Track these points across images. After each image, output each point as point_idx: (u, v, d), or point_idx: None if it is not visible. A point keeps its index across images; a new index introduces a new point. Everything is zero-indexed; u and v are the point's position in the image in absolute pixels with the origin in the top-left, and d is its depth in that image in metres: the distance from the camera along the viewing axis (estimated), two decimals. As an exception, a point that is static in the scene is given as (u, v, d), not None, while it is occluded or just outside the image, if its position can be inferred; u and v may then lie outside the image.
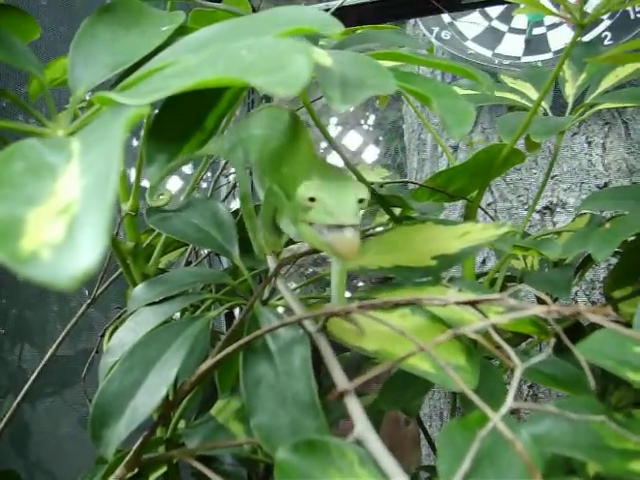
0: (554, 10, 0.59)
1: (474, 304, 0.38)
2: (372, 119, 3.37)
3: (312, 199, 0.42)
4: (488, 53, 1.61)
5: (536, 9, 0.58)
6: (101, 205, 0.22)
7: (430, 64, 0.46)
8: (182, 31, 0.45)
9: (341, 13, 1.15)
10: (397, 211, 0.66)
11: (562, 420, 0.37)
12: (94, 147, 0.27)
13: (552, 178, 1.46)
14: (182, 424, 0.61)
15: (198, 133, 0.39)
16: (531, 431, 0.36)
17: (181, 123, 0.39)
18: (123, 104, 0.29)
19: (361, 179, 0.58)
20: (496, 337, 0.36)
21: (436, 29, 1.65)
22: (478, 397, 0.50)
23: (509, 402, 0.33)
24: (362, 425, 0.34)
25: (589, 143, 1.49)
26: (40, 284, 0.21)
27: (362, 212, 0.42)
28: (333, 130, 3.27)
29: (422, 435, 1.32)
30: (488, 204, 1.51)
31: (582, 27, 0.58)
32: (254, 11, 0.84)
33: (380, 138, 3.32)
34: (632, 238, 0.54)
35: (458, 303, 0.38)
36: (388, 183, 0.73)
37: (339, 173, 0.45)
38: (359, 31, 0.66)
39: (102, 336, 0.75)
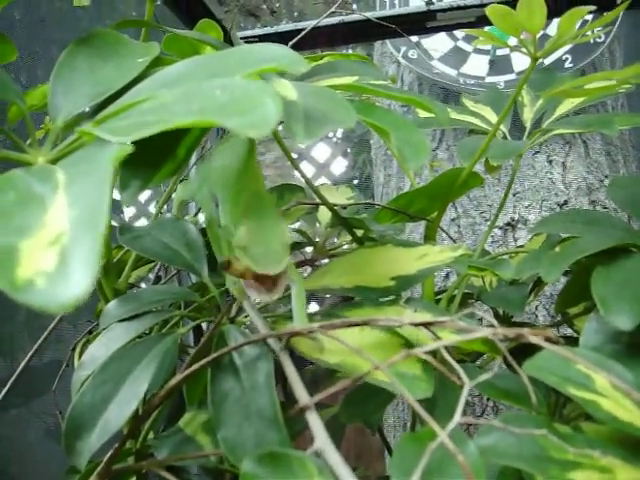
0: (509, 43, 0.63)
1: (427, 326, 0.40)
2: (340, 131, 3.40)
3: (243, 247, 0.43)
4: (453, 73, 1.65)
5: (492, 42, 0.61)
6: (92, 238, 0.24)
7: (389, 96, 0.49)
8: (157, 62, 0.47)
9: (314, 33, 1.19)
10: (360, 231, 0.68)
11: (509, 433, 0.39)
12: (80, 180, 0.29)
13: (514, 195, 1.50)
14: (151, 434, 0.63)
15: (170, 162, 0.41)
16: (480, 443, 0.38)
17: (154, 152, 0.41)
18: (106, 140, 0.31)
19: (324, 202, 0.60)
20: (447, 357, 0.38)
21: (403, 48, 1.68)
22: (438, 407, 0.52)
23: (457, 417, 0.35)
24: (321, 439, 0.36)
25: (550, 162, 1.53)
26: (36, 309, 0.23)
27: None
28: (302, 142, 3.29)
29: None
30: (452, 219, 1.54)
31: (536, 60, 0.61)
32: (226, 33, 0.87)
33: (348, 150, 3.34)
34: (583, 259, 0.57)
35: (412, 324, 0.40)
36: (352, 205, 0.76)
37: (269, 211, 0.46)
38: (326, 58, 0.69)
39: (73, 349, 0.77)
